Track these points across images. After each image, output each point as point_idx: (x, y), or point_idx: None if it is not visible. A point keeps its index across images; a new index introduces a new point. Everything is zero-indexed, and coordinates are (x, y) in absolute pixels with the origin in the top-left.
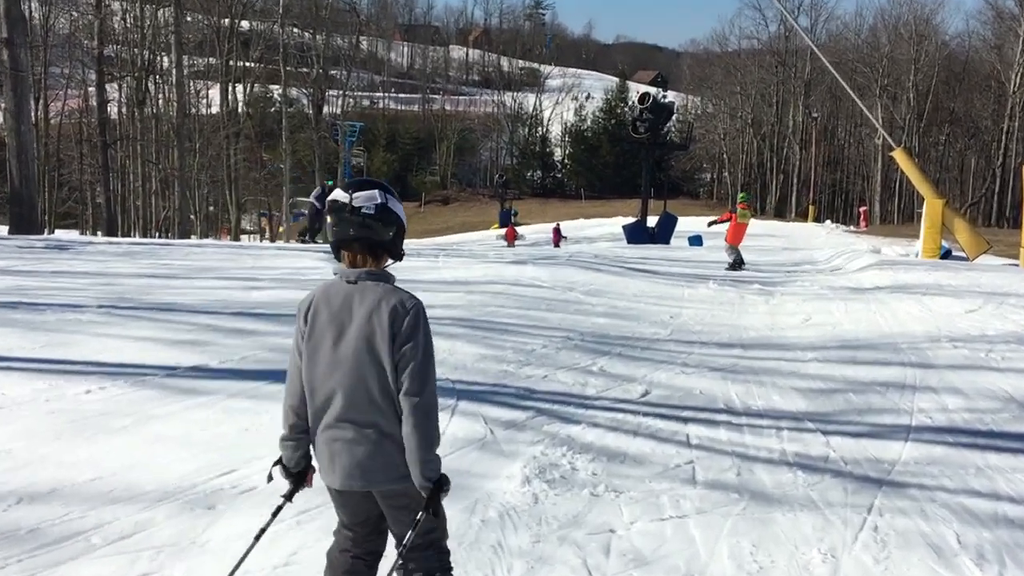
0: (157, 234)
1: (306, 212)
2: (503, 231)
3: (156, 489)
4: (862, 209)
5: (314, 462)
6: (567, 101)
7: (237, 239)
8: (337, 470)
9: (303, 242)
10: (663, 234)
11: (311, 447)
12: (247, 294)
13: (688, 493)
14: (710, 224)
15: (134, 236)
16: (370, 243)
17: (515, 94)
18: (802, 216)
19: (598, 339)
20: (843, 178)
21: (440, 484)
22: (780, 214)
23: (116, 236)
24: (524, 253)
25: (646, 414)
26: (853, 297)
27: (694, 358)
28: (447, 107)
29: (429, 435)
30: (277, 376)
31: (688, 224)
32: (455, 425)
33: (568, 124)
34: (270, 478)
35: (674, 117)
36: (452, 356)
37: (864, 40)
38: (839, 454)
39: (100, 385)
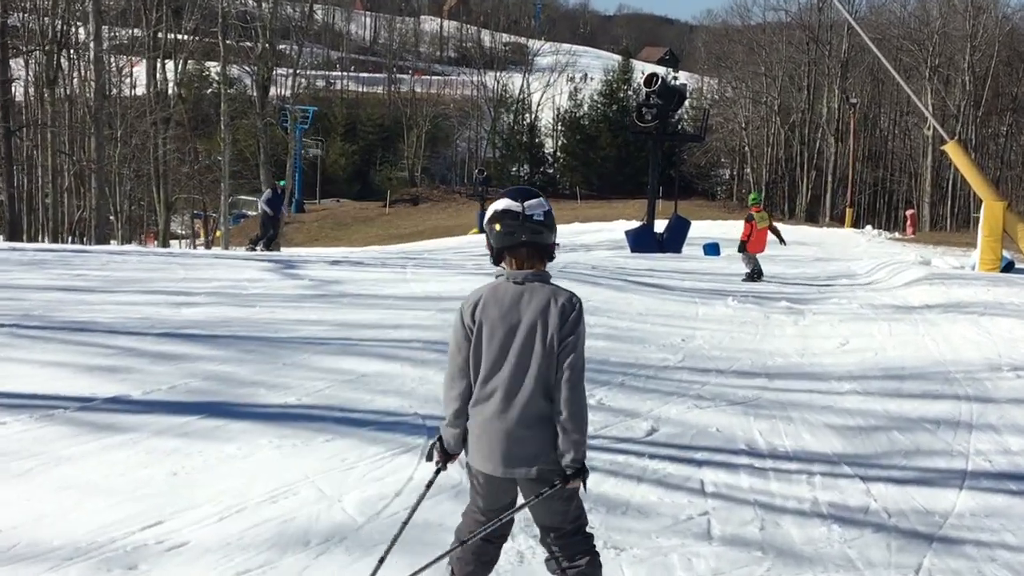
0: (70, 239)
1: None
2: None
3: (66, 545)
4: (909, 213)
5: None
6: (560, 83)
7: (166, 245)
8: (497, 457)
9: (252, 250)
10: (673, 241)
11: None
12: (177, 311)
13: (702, 551)
14: (740, 249)
15: (42, 241)
16: (538, 247)
17: (498, 74)
18: (838, 221)
19: (596, 366)
20: (886, 176)
21: (586, 468)
22: (812, 218)
23: (20, 241)
24: None
25: (653, 456)
26: (898, 317)
27: (710, 389)
28: (417, 89)
29: (584, 419)
30: (212, 409)
31: (703, 229)
32: (424, 469)
33: (561, 110)
34: (430, 456)
35: (687, 103)
36: (422, 386)
37: (911, 13)
38: (881, 504)
39: (0, 420)
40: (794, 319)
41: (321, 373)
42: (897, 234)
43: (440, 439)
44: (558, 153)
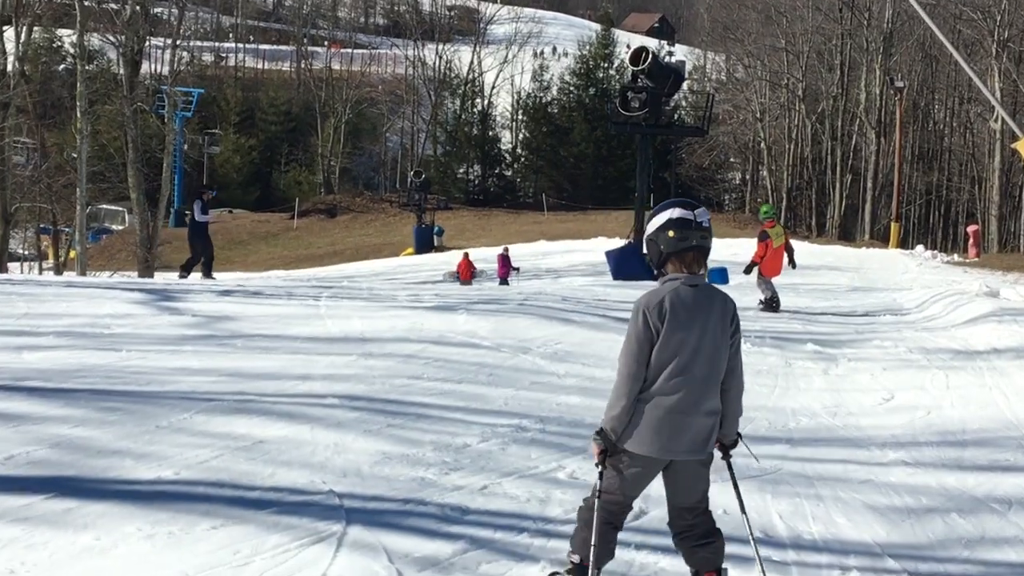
0: None
1: (113, 229)
2: (453, 265)
3: None
4: (971, 229)
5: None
6: (522, 59)
7: (2, 270)
8: (683, 442)
9: (183, 277)
10: None
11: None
12: (16, 357)
13: None
14: (748, 271)
15: None
16: (705, 251)
17: (441, 47)
18: (880, 239)
19: (567, 428)
20: (942, 181)
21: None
22: (847, 235)
23: None
24: (456, 294)
25: (640, 547)
26: (958, 365)
27: (715, 459)
28: (335, 66)
29: (742, 398)
30: (63, 486)
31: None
32: (341, 564)
33: (523, 95)
34: (604, 458)
35: (685, 85)
36: (339, 455)
37: None
38: None
39: None
40: (824, 367)
41: (207, 439)
42: (956, 256)
43: (605, 436)
44: (519, 150)
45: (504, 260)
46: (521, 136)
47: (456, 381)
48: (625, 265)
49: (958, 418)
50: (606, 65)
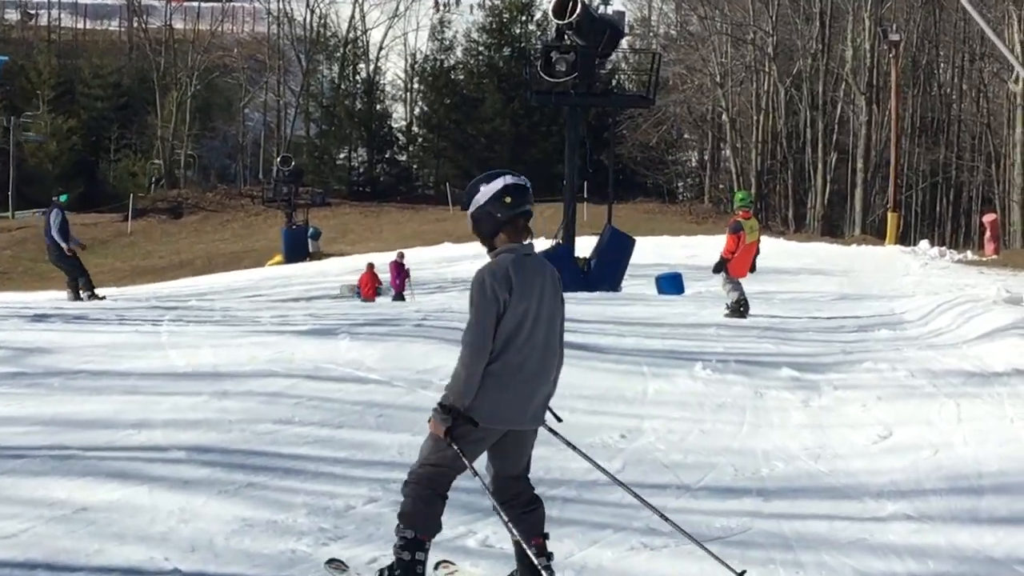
0: None
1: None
2: (352, 279)
3: None
4: (988, 219)
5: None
6: (416, 11)
7: None
8: (530, 411)
9: (76, 299)
10: (607, 272)
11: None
12: None
13: None
14: (717, 269)
15: None
16: (529, 218)
17: None
18: (875, 233)
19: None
20: (951, 160)
21: None
22: (833, 230)
23: None
24: (336, 314)
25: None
26: (972, 391)
27: (667, 517)
28: (177, 25)
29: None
30: None
31: (656, 251)
32: None
33: (419, 57)
34: (456, 440)
35: (624, 42)
36: (186, 524)
37: None
38: None
39: None
40: (803, 398)
41: (14, 507)
42: (970, 254)
43: (460, 415)
44: (415, 128)
45: (398, 269)
46: (418, 111)
47: (336, 426)
48: None
49: (972, 458)
50: (524, 18)
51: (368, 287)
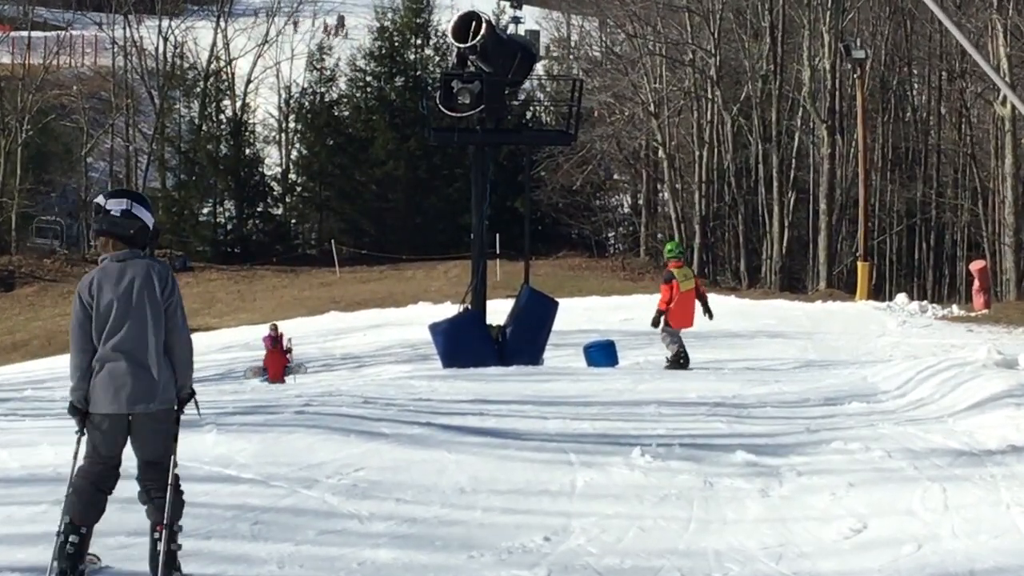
0: None
1: None
2: (221, 358)
3: None
4: (976, 267)
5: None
6: (291, 36)
7: None
8: (127, 396)
9: None
10: (526, 342)
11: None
12: None
13: None
14: (655, 323)
15: None
16: (117, 236)
17: (167, 23)
18: (843, 287)
19: None
20: (930, 197)
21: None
22: (794, 284)
23: None
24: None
25: None
26: (960, 473)
27: None
28: (3, 59)
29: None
30: None
31: (585, 315)
32: None
33: (295, 90)
34: (81, 429)
35: (540, 67)
36: None
37: None
38: None
39: None
40: (761, 487)
41: None
42: (955, 308)
43: (74, 407)
44: (292, 176)
45: (273, 343)
46: (295, 154)
47: (203, 536)
48: (460, 345)
49: (963, 554)
50: (419, 42)
51: (275, 366)
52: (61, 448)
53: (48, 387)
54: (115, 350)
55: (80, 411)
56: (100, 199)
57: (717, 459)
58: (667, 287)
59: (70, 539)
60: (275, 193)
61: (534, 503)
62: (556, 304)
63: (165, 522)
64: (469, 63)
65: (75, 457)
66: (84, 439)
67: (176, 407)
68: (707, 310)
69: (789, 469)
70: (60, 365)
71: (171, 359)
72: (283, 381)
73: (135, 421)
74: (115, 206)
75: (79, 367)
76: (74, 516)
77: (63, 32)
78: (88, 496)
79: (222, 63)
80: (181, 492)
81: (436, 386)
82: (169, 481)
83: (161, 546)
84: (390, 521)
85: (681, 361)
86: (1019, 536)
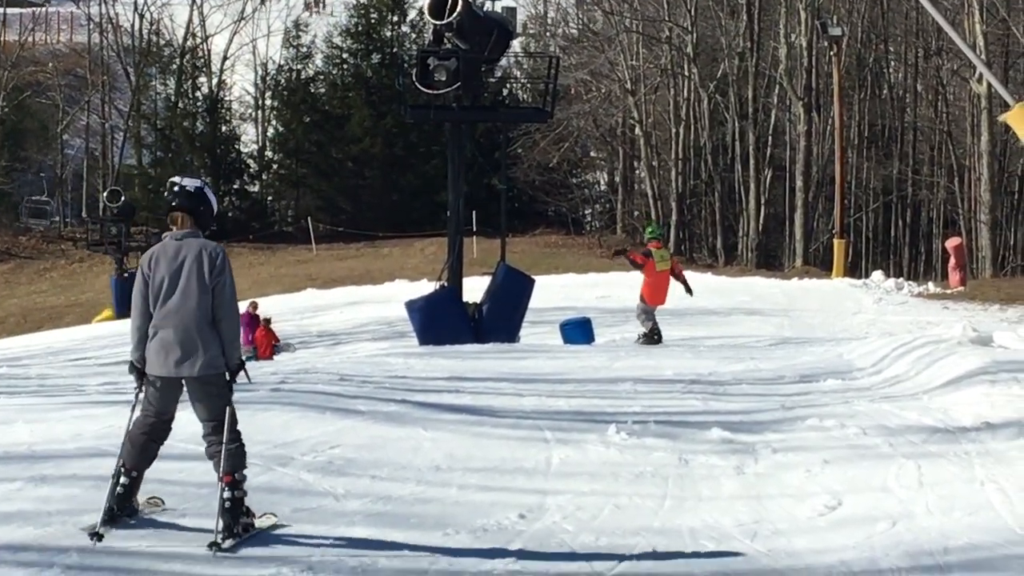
0: None
1: None
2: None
3: None
4: (952, 244)
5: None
6: (267, 13)
7: None
8: (174, 361)
9: None
10: (502, 319)
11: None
12: None
13: None
14: (625, 255)
15: None
16: (180, 209)
17: (143, 1)
18: (819, 264)
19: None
20: (907, 175)
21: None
22: (770, 261)
23: None
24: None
25: None
26: (935, 450)
27: None
28: None
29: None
30: None
31: (561, 292)
32: None
33: (271, 67)
34: (140, 386)
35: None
36: None
37: None
38: None
39: None
40: (736, 464)
41: None
42: (931, 286)
43: (132, 366)
44: (268, 153)
45: (254, 322)
46: (271, 132)
47: (178, 514)
48: (434, 323)
49: (937, 531)
50: (395, 19)
51: (264, 345)
52: (36, 426)
53: (23, 364)
54: (165, 319)
55: (138, 370)
56: (176, 178)
57: (692, 436)
58: (640, 257)
59: (121, 481)
60: (251, 170)
61: (509, 481)
62: (532, 281)
63: (223, 472)
64: (445, 40)
65: (132, 410)
66: (141, 396)
67: (228, 375)
68: (687, 288)
69: (764, 446)
70: (36, 342)
71: (219, 332)
72: (271, 359)
73: (188, 385)
74: (190, 184)
75: (137, 331)
76: (127, 461)
77: (39, 8)
78: (141, 444)
79: (198, 40)
80: (241, 445)
81: (412, 363)
82: (225, 438)
83: (226, 494)
84: (365, 499)
85: (655, 338)
86: (993, 513)
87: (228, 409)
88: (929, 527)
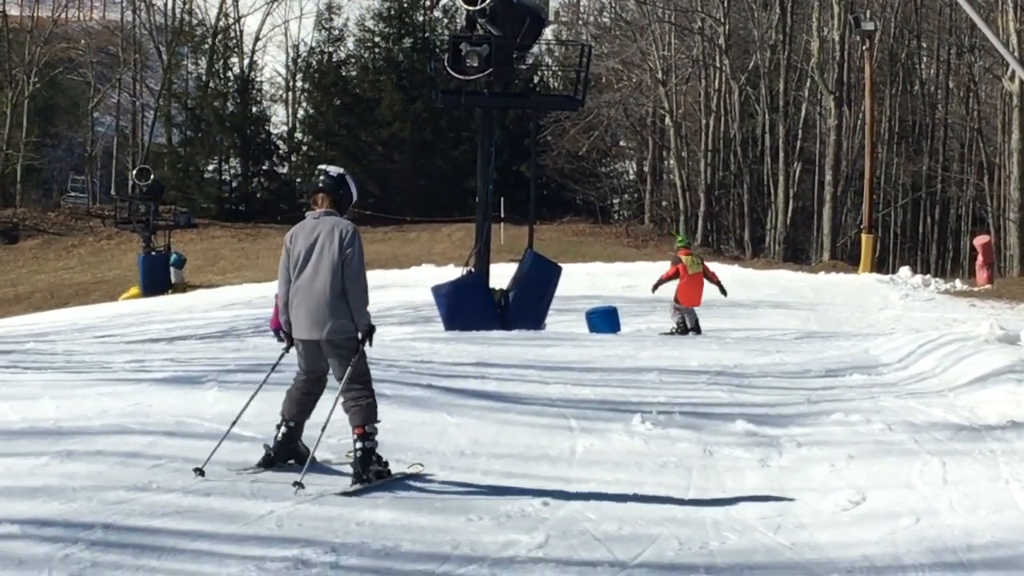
0: None
1: None
2: (224, 315)
3: None
4: (980, 242)
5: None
6: None
7: None
8: (305, 325)
9: None
10: (528, 306)
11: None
12: None
13: None
14: (656, 287)
15: None
16: (320, 190)
17: None
18: (847, 259)
19: (372, 561)
20: (936, 171)
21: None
22: (797, 255)
23: None
24: (203, 359)
25: None
26: (960, 448)
27: None
28: (12, 11)
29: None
30: None
31: (588, 281)
32: None
33: (303, 50)
34: (288, 347)
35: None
36: None
37: None
38: None
39: None
40: (761, 456)
41: None
42: (958, 283)
43: (282, 331)
44: (298, 135)
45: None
46: (301, 113)
47: (202, 493)
48: (461, 308)
49: (961, 528)
50: (427, 4)
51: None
52: (62, 401)
53: (50, 340)
54: (300, 289)
55: (285, 333)
56: (323, 166)
57: (717, 428)
58: (673, 267)
59: (282, 430)
60: (281, 152)
61: (533, 468)
62: (559, 269)
63: (354, 425)
64: (478, 26)
65: (272, 368)
66: (284, 356)
67: (359, 338)
68: (722, 289)
69: (789, 440)
70: (62, 318)
71: (347, 300)
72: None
73: (323, 347)
74: (334, 170)
75: (282, 298)
76: (285, 412)
77: None
78: (295, 397)
79: (231, 20)
80: (373, 401)
81: (438, 348)
82: (356, 394)
83: (358, 444)
84: (387, 485)
85: (685, 330)
86: (1017, 512)
87: (360, 368)
88: (953, 524)
